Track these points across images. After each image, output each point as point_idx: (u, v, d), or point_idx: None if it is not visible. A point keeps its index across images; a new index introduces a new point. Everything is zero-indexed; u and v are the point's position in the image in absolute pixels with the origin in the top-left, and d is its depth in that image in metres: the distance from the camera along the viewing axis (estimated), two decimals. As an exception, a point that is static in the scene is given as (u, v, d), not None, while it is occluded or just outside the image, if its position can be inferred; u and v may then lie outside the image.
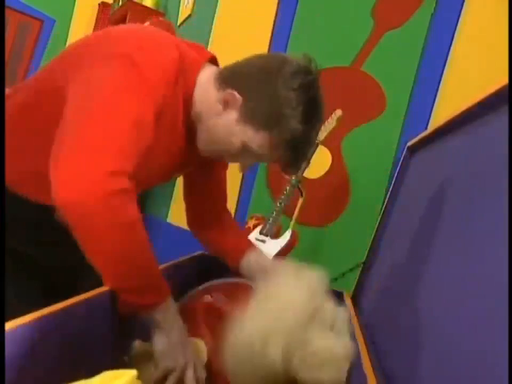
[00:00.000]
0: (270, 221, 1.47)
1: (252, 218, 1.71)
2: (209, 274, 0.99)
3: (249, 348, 0.62)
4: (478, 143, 0.73)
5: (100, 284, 0.66)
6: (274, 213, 1.47)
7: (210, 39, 2.26)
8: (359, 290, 1.20)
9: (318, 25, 1.72)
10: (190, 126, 0.80)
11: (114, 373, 0.43)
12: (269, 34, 1.89)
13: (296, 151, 0.76)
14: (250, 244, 1.01)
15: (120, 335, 0.71)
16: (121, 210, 0.59)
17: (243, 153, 0.77)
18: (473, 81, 1.26)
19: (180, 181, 1.09)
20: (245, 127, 0.74)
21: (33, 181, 0.76)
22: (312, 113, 0.74)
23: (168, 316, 0.68)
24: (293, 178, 1.45)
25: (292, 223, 1.47)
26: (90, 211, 0.57)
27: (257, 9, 2.00)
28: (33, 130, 0.76)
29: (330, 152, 1.61)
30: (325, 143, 1.46)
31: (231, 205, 1.92)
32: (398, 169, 1.25)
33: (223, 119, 0.76)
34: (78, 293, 0.63)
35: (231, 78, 0.76)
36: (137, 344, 0.70)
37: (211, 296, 0.88)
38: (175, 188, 2.26)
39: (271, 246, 1.42)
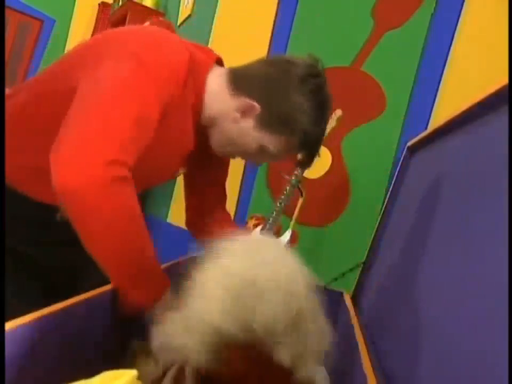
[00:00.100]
0: (270, 221, 1.47)
1: (251, 218, 1.71)
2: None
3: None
4: (478, 143, 0.73)
5: (100, 284, 0.66)
6: (274, 213, 1.47)
7: (210, 39, 2.26)
8: (359, 290, 1.20)
9: (318, 25, 1.72)
10: (200, 127, 0.81)
11: (114, 373, 0.43)
12: (269, 34, 1.89)
13: (310, 149, 0.82)
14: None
15: (120, 335, 0.71)
16: (120, 196, 0.60)
17: (259, 153, 0.81)
18: (473, 81, 1.26)
19: (180, 181, 1.09)
20: (261, 133, 0.78)
21: (33, 178, 0.76)
22: (322, 114, 0.78)
23: None
24: (293, 178, 1.45)
25: (292, 223, 1.47)
26: (90, 196, 0.57)
27: (257, 9, 2.00)
28: (33, 130, 0.76)
29: (330, 152, 1.61)
30: (325, 143, 1.45)
31: (231, 205, 1.92)
32: (398, 169, 1.25)
33: (239, 126, 0.79)
34: (78, 293, 0.63)
35: (245, 84, 0.78)
36: (136, 343, 0.70)
37: None
38: (175, 188, 2.26)
39: (271, 246, 1.42)
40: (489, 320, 0.48)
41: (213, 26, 2.27)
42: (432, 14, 1.44)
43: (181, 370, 0.66)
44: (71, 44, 3.69)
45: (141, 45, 0.71)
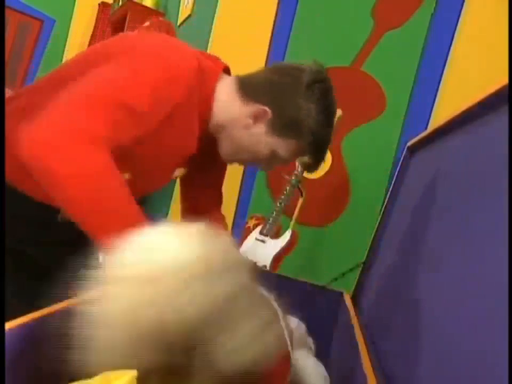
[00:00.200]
0: (270, 221, 1.47)
1: (251, 218, 1.71)
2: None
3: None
4: (478, 143, 0.73)
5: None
6: (274, 213, 1.47)
7: (210, 39, 2.26)
8: (359, 290, 1.20)
9: (318, 25, 1.72)
10: (206, 134, 0.82)
11: (114, 373, 0.43)
12: (269, 34, 1.89)
13: (318, 152, 0.84)
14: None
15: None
16: (82, 159, 0.59)
17: (270, 159, 0.83)
18: (473, 81, 1.26)
19: (179, 182, 1.09)
20: (273, 138, 0.80)
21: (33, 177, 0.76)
22: (329, 118, 0.81)
23: None
24: (293, 178, 1.46)
25: (292, 223, 1.47)
26: (49, 160, 0.57)
27: (257, 9, 2.00)
28: None
29: (330, 152, 1.61)
30: (325, 143, 1.46)
31: (231, 205, 1.92)
32: (398, 169, 1.24)
33: (251, 132, 0.80)
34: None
35: (254, 91, 0.80)
36: None
37: None
38: (175, 188, 2.26)
39: (271, 246, 1.43)
40: (489, 320, 0.48)
41: (213, 26, 2.27)
42: (432, 14, 1.44)
43: None
44: (71, 44, 3.69)
45: (149, 48, 0.72)
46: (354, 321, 0.89)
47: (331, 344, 1.08)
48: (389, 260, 1.05)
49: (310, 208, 1.55)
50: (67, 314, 0.47)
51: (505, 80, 0.63)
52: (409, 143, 1.23)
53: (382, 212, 1.25)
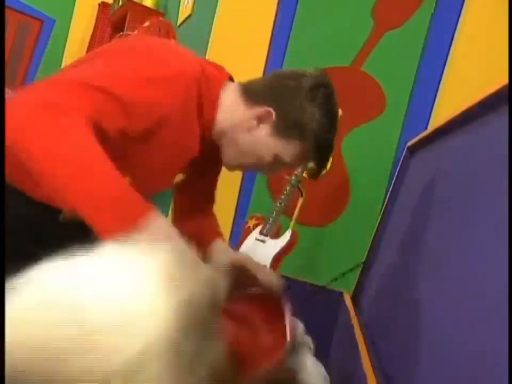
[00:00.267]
0: (270, 221, 1.47)
1: (251, 218, 1.71)
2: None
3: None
4: (478, 143, 0.73)
5: None
6: (274, 213, 1.47)
7: (210, 39, 2.26)
8: (359, 290, 1.20)
9: (318, 25, 1.72)
10: (207, 140, 0.82)
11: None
12: (269, 34, 1.89)
13: (321, 156, 0.83)
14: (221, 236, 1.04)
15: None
16: (61, 129, 0.57)
17: (273, 163, 0.82)
18: (473, 81, 1.26)
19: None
20: (276, 140, 0.79)
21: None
22: (332, 122, 0.81)
23: (161, 232, 0.56)
24: (293, 178, 1.46)
25: (292, 223, 1.47)
26: (26, 132, 0.56)
27: (257, 9, 2.00)
28: None
29: (330, 152, 1.62)
30: (325, 143, 1.46)
31: (231, 205, 1.92)
32: (398, 169, 1.25)
33: (254, 134, 0.80)
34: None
35: (257, 95, 0.80)
36: None
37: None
38: (175, 188, 2.26)
39: (271, 246, 1.43)
40: (489, 320, 0.48)
41: (213, 26, 2.27)
42: (432, 14, 1.44)
43: None
44: (71, 44, 3.69)
45: (148, 48, 0.72)
46: (354, 321, 0.89)
47: (331, 344, 1.08)
48: (389, 259, 1.05)
49: (310, 208, 1.55)
50: None
51: (505, 80, 0.63)
52: (409, 143, 1.23)
53: (382, 211, 1.25)
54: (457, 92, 1.33)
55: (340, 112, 1.51)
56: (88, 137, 0.58)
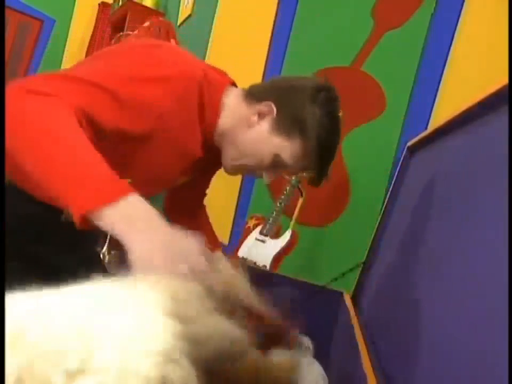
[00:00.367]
0: (270, 221, 1.47)
1: (251, 218, 1.71)
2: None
3: None
4: (478, 143, 0.73)
5: None
6: (274, 213, 1.47)
7: (210, 39, 2.26)
8: (359, 290, 1.20)
9: (318, 25, 1.72)
10: (211, 145, 0.82)
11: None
12: (269, 34, 1.89)
13: (323, 160, 0.81)
14: (219, 245, 1.08)
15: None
16: (23, 108, 0.56)
17: (273, 167, 0.81)
18: (473, 81, 1.26)
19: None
20: (276, 137, 0.78)
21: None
22: (334, 125, 0.80)
23: (139, 212, 0.52)
24: (293, 178, 1.46)
25: (292, 223, 1.47)
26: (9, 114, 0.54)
27: (257, 9, 2.00)
28: None
29: (330, 152, 1.62)
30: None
31: (231, 205, 1.92)
32: (398, 169, 1.25)
33: (254, 131, 0.79)
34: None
35: (260, 94, 0.80)
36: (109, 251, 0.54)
37: None
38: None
39: (271, 246, 1.43)
40: (489, 320, 0.48)
41: (213, 26, 2.27)
42: (432, 14, 1.44)
43: None
44: (71, 44, 3.69)
45: (147, 49, 0.72)
46: (354, 321, 0.89)
47: (331, 344, 1.08)
48: (389, 259, 1.05)
49: (310, 208, 1.55)
50: None
51: (505, 80, 0.63)
52: (409, 143, 1.23)
53: (382, 211, 1.25)
54: (457, 92, 1.33)
55: (340, 112, 1.50)
56: (66, 116, 0.56)
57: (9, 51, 3.41)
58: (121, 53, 0.71)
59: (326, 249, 1.60)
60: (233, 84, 0.86)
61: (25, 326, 0.30)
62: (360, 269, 1.24)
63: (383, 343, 0.81)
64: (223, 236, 1.87)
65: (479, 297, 0.52)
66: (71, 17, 3.68)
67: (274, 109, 0.78)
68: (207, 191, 1.10)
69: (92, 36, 3.64)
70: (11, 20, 3.35)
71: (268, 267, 1.39)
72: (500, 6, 1.23)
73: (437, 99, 1.39)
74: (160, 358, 0.30)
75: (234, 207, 1.90)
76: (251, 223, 1.68)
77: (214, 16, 2.27)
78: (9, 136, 0.54)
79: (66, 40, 3.66)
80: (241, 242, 1.53)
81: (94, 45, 3.55)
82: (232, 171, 0.86)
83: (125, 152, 0.73)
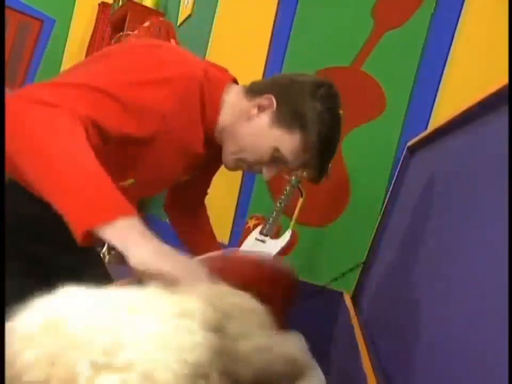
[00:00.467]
0: (270, 221, 1.47)
1: (251, 218, 1.71)
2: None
3: None
4: (478, 143, 0.73)
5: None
6: (274, 213, 1.47)
7: (210, 39, 2.26)
8: (359, 290, 1.20)
9: (318, 25, 1.72)
10: (211, 142, 0.82)
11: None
12: (269, 34, 1.89)
13: (323, 157, 0.81)
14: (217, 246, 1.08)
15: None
16: (25, 118, 0.57)
17: (273, 161, 0.81)
18: (473, 81, 1.26)
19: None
20: (276, 130, 0.78)
21: None
22: (334, 120, 0.80)
23: (136, 231, 0.53)
24: (293, 178, 1.46)
25: (292, 223, 1.47)
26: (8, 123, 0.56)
27: (257, 9, 2.00)
28: None
29: (330, 152, 1.62)
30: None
31: (231, 205, 1.92)
32: (398, 169, 1.25)
33: (254, 124, 0.79)
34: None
35: (261, 88, 0.80)
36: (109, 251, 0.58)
37: None
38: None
39: (271, 246, 1.43)
40: (489, 320, 0.48)
41: (213, 26, 2.27)
42: (432, 14, 1.44)
43: None
44: (71, 44, 3.69)
45: (147, 50, 0.72)
46: (354, 321, 0.89)
47: (331, 344, 1.08)
48: (389, 259, 1.05)
49: (310, 208, 1.55)
50: None
51: (505, 80, 0.63)
52: (409, 143, 1.23)
53: (382, 211, 1.25)
54: (457, 92, 1.33)
55: (341, 110, 1.51)
56: (73, 129, 0.57)
57: (9, 51, 3.41)
58: (122, 54, 0.71)
59: (326, 249, 1.60)
60: (235, 81, 0.86)
61: (65, 316, 0.33)
62: (360, 269, 1.24)
63: (383, 343, 0.81)
64: (223, 235, 1.87)
65: (479, 297, 0.52)
66: (71, 17, 3.68)
67: (275, 102, 0.77)
68: (208, 190, 1.10)
69: (92, 36, 3.64)
70: (11, 20, 3.35)
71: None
72: (500, 6, 1.23)
73: (437, 99, 1.39)
74: (189, 369, 0.31)
75: (234, 206, 1.90)
76: (251, 223, 1.68)
77: (214, 16, 2.27)
78: (13, 147, 0.56)
79: (66, 40, 3.66)
80: (241, 242, 1.53)
81: (94, 45, 3.55)
82: (232, 166, 0.85)
83: (129, 154, 0.73)
